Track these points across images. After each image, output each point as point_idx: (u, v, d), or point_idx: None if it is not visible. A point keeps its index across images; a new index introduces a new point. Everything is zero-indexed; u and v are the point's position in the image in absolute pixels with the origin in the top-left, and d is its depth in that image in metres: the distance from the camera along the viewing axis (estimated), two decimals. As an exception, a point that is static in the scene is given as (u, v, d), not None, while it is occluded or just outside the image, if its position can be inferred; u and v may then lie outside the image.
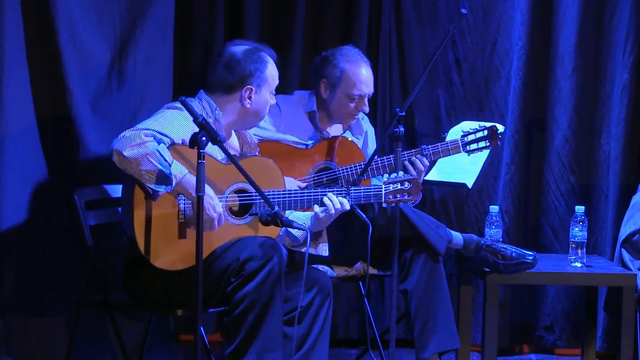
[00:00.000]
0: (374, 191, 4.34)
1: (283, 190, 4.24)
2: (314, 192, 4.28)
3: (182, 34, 5.37)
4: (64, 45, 4.67)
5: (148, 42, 4.95)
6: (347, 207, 4.28)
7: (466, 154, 4.84)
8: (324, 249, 4.56)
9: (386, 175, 4.39)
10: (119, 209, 4.48)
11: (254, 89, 4.29)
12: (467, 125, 4.90)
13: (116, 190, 4.54)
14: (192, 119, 3.78)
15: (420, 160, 4.79)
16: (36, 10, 4.62)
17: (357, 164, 4.80)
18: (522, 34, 5.70)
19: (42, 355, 4.70)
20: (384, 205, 4.38)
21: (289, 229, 4.36)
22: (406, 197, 4.36)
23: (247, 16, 5.56)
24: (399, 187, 4.35)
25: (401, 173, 4.40)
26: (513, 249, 4.85)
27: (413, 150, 4.83)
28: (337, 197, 4.27)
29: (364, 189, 4.34)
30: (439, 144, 4.84)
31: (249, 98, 4.29)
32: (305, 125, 4.95)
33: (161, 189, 4.01)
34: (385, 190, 4.34)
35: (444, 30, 5.65)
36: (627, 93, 5.66)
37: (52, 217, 4.67)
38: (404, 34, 5.76)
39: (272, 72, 4.34)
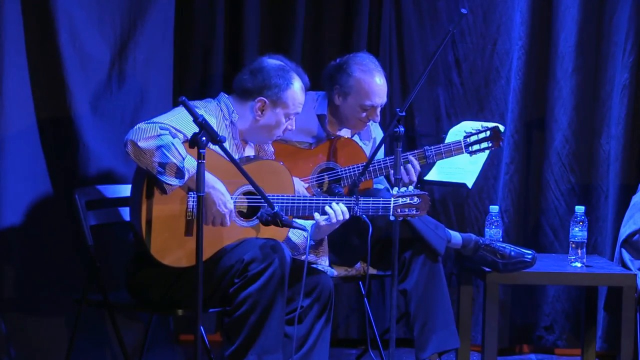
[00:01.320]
0: (382, 204, 4.35)
1: (292, 196, 4.24)
2: (322, 200, 4.28)
3: (182, 34, 5.37)
4: (64, 45, 4.67)
5: (148, 42, 4.95)
6: (347, 216, 4.28)
7: (468, 154, 4.84)
8: (324, 260, 4.55)
9: (395, 189, 4.39)
10: (120, 208, 4.48)
11: (267, 103, 4.27)
12: (468, 125, 4.90)
13: (116, 190, 4.54)
14: (192, 120, 3.77)
15: (412, 165, 4.80)
16: (36, 11, 4.62)
17: (359, 165, 4.80)
18: (522, 34, 5.70)
19: (42, 355, 4.70)
20: (392, 218, 4.38)
21: (290, 238, 4.37)
22: (414, 212, 4.37)
23: (247, 16, 5.55)
24: (408, 201, 4.36)
25: (411, 188, 4.42)
26: (512, 248, 4.85)
27: (416, 151, 4.83)
28: (338, 205, 4.27)
29: (372, 201, 4.34)
30: (441, 145, 4.85)
31: (261, 111, 4.28)
32: (314, 126, 4.95)
33: (173, 182, 4.01)
34: (394, 203, 4.35)
35: (444, 30, 5.65)
36: (627, 93, 5.66)
37: (52, 216, 4.67)
38: (404, 34, 5.76)
39: (293, 95, 4.30)
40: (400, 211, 4.36)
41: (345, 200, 4.30)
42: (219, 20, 5.51)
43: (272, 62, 4.34)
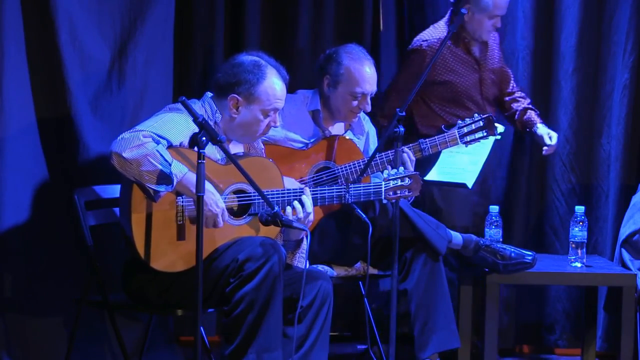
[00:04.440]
0: (373, 188, 4.34)
1: (282, 190, 4.23)
2: (312, 191, 4.27)
3: (182, 34, 5.37)
4: (64, 45, 4.68)
5: (148, 42, 4.95)
6: (310, 210, 4.21)
7: (464, 145, 4.83)
8: (301, 261, 4.53)
9: (386, 172, 4.39)
10: (118, 209, 4.48)
11: (240, 99, 4.21)
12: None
13: (116, 191, 4.52)
14: (192, 120, 3.76)
15: (408, 156, 4.80)
16: (36, 10, 4.63)
17: (356, 162, 4.80)
18: (525, 34, 5.70)
19: (42, 355, 4.71)
20: (384, 201, 4.38)
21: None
22: (406, 193, 4.36)
23: (248, 15, 5.55)
24: (399, 183, 4.36)
25: (401, 169, 4.40)
26: (512, 249, 4.85)
27: (411, 145, 4.83)
28: (301, 202, 4.22)
29: (363, 187, 4.33)
30: (436, 137, 4.84)
31: (235, 108, 4.22)
32: (308, 124, 4.95)
33: (162, 189, 4.00)
34: (385, 186, 4.35)
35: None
36: (628, 93, 5.66)
37: (52, 217, 4.68)
38: (409, 34, 5.75)
39: (266, 90, 4.22)
40: (392, 194, 4.35)
41: (336, 189, 4.29)
42: (219, 20, 5.51)
43: (247, 58, 4.27)
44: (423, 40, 5.33)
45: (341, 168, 4.81)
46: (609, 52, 5.73)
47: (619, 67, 5.68)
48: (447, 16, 5.43)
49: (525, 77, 5.70)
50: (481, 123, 4.81)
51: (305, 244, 4.41)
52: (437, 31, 5.37)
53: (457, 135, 4.82)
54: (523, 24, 5.70)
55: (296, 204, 4.20)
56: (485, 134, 4.83)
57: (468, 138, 4.82)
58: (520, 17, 5.71)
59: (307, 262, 4.37)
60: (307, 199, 4.22)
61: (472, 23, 5.35)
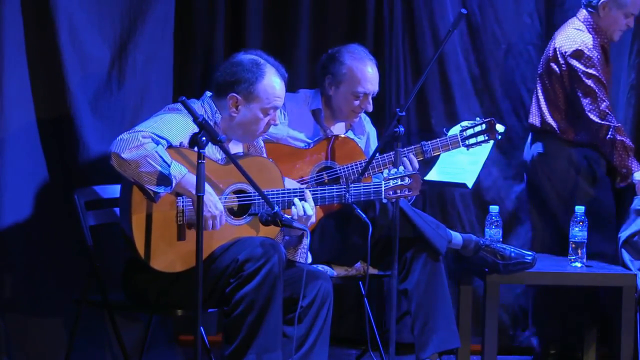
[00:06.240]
0: (373, 187, 4.34)
1: (282, 190, 4.23)
2: (312, 191, 4.27)
3: (182, 34, 5.37)
4: (64, 45, 4.69)
5: (148, 42, 4.96)
6: (310, 213, 4.23)
7: (465, 148, 4.83)
8: (302, 256, 4.52)
9: (386, 171, 4.39)
10: (118, 209, 4.49)
11: (240, 98, 4.20)
12: (466, 124, 4.89)
13: (116, 190, 4.53)
14: (192, 120, 3.76)
15: (410, 161, 4.79)
16: (36, 10, 4.64)
17: (358, 163, 4.80)
18: (531, 34, 5.69)
19: (42, 355, 4.71)
20: (384, 201, 4.37)
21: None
22: (406, 192, 4.36)
23: (248, 16, 5.55)
24: (399, 182, 4.36)
25: (401, 168, 4.40)
26: (512, 249, 4.85)
27: (413, 147, 4.83)
28: (301, 202, 4.22)
29: (363, 186, 4.33)
30: (438, 139, 4.84)
31: (235, 107, 4.21)
32: (309, 123, 4.95)
33: (161, 190, 4.00)
34: (385, 186, 4.35)
35: (457, 30, 5.64)
36: (635, 93, 5.64)
37: (52, 217, 4.68)
38: (416, 34, 5.73)
39: (265, 89, 4.21)
40: (393, 193, 4.35)
41: (336, 188, 4.29)
42: (219, 20, 5.51)
43: (245, 56, 4.26)
44: (582, 43, 5.24)
45: (343, 168, 4.81)
46: (615, 52, 5.70)
47: (625, 67, 5.66)
48: (584, 14, 5.34)
49: (531, 78, 5.69)
50: (483, 127, 4.81)
51: (306, 240, 4.42)
52: (582, 34, 5.28)
53: (459, 139, 4.82)
54: (530, 24, 5.69)
55: (297, 202, 4.21)
56: (486, 137, 4.83)
57: (470, 141, 4.82)
58: (527, 18, 5.70)
59: (309, 256, 4.38)
60: (309, 200, 4.23)
61: (607, 19, 5.28)
